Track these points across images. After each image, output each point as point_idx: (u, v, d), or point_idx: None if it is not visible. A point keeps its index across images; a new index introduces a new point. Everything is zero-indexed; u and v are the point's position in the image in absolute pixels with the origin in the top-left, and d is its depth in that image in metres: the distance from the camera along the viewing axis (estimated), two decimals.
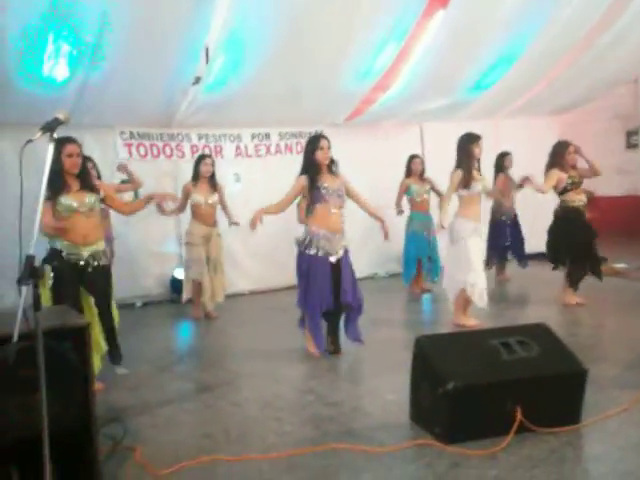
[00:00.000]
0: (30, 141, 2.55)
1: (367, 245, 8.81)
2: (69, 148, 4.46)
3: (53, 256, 4.46)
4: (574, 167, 6.60)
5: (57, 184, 4.37)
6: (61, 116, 2.70)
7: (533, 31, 7.66)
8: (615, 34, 8.11)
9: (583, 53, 8.62)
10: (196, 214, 6.86)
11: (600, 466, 3.18)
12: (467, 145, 5.82)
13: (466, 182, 5.77)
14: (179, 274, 7.87)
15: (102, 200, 4.67)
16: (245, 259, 8.41)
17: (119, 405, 4.30)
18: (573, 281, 6.64)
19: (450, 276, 6.00)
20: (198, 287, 6.88)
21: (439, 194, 7.52)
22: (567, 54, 8.51)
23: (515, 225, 8.49)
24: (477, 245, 5.91)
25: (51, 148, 2.63)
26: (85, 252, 4.49)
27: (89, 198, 4.52)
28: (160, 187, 7.54)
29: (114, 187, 6.24)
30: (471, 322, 5.90)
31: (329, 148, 5.18)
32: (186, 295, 6.97)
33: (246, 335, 6.34)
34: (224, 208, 7.07)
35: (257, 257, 8.44)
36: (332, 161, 5.22)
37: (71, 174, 4.50)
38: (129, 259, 7.72)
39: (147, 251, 7.92)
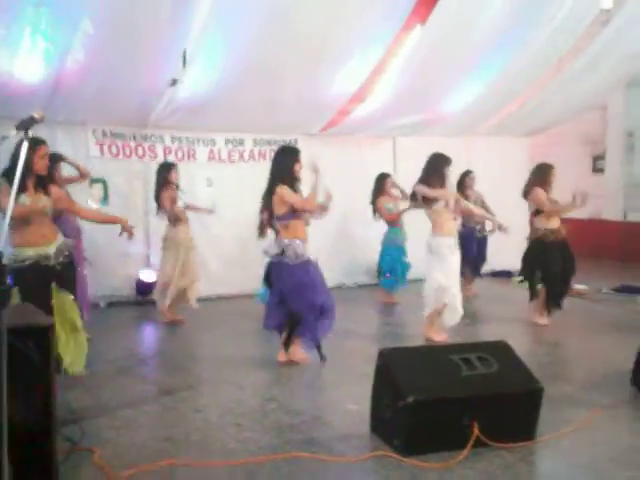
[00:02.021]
0: (5, 138, 2.55)
1: (336, 255, 8.88)
2: (43, 149, 4.43)
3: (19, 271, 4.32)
4: None
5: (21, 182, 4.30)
6: (36, 115, 2.71)
7: (508, 53, 7.83)
8: (586, 60, 8.34)
9: (555, 77, 8.85)
10: (181, 220, 6.88)
11: None
12: (439, 165, 5.92)
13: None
14: (145, 276, 7.84)
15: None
16: (213, 263, 8.39)
17: (78, 406, 4.26)
18: (551, 304, 6.77)
19: (428, 291, 6.06)
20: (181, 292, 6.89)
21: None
22: (540, 77, 8.73)
23: (482, 242, 8.60)
24: (455, 259, 5.99)
25: (25, 146, 2.63)
26: (50, 250, 4.44)
27: (41, 202, 4.42)
28: (130, 187, 7.56)
29: (64, 179, 6.17)
30: (439, 337, 5.99)
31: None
32: (169, 301, 6.92)
33: (211, 340, 6.33)
34: (193, 207, 7.13)
35: (225, 262, 8.42)
36: None
37: (36, 175, 4.44)
38: (95, 259, 7.62)
39: (113, 252, 7.84)
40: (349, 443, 3.68)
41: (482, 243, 8.60)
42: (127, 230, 4.78)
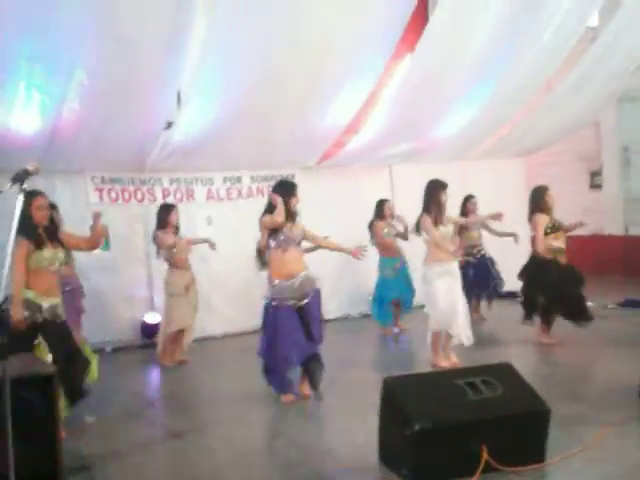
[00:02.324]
0: (0, 192, 2.61)
1: (339, 286, 8.90)
2: (38, 200, 4.48)
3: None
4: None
5: (34, 238, 4.40)
6: (31, 167, 2.76)
7: (497, 76, 7.93)
8: (576, 79, 8.43)
9: (545, 97, 8.96)
10: (178, 262, 6.91)
11: None
12: (435, 192, 5.98)
13: (435, 224, 5.94)
14: (150, 318, 7.86)
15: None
16: (218, 302, 8.40)
17: (88, 452, 4.25)
18: (545, 321, 6.77)
19: (430, 319, 6.08)
20: (178, 335, 6.90)
21: (403, 237, 7.82)
22: (530, 98, 8.83)
23: (481, 264, 8.54)
24: (448, 285, 5.98)
25: (21, 199, 2.69)
26: (45, 304, 4.45)
27: (60, 254, 4.53)
28: (131, 231, 7.61)
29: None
30: (444, 362, 5.97)
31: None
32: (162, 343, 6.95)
33: (217, 379, 6.32)
34: (196, 242, 7.16)
35: (230, 300, 8.44)
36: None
37: (40, 227, 4.52)
38: (99, 304, 7.67)
39: (117, 296, 7.88)
40: (358, 475, 3.67)
41: (482, 264, 8.53)
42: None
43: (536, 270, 6.80)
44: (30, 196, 4.32)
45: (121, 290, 7.95)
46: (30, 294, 4.37)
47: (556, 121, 9.37)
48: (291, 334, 5.09)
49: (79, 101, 6.18)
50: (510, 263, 8.03)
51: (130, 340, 7.98)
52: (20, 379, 2.78)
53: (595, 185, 12.09)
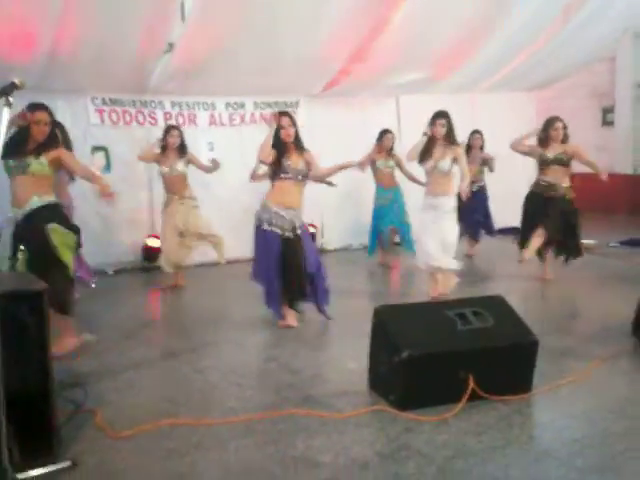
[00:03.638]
0: None
1: (342, 217, 8.89)
2: (37, 115, 4.45)
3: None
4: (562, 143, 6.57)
5: (12, 146, 4.35)
6: (17, 81, 2.71)
7: (511, 5, 7.65)
8: (592, 10, 8.14)
9: (561, 28, 8.66)
10: (165, 185, 6.87)
11: (546, 433, 3.30)
12: (430, 123, 5.89)
13: (420, 158, 5.92)
14: (150, 242, 7.89)
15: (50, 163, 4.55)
16: (219, 228, 8.39)
17: (83, 370, 4.33)
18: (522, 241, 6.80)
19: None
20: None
21: (403, 171, 7.73)
22: (545, 29, 8.54)
23: (480, 198, 8.46)
24: (429, 220, 5.95)
25: (6, 112, 2.63)
26: (19, 213, 4.47)
27: (31, 160, 4.46)
28: (132, 154, 7.50)
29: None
30: (433, 293, 6.01)
31: (291, 125, 5.17)
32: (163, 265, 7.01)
33: (216, 303, 6.39)
34: (201, 166, 7.00)
35: (231, 226, 8.43)
36: (297, 137, 5.23)
37: (35, 141, 4.47)
38: (101, 227, 7.72)
39: (119, 219, 7.89)
40: (347, 400, 3.72)
41: (480, 198, 8.44)
42: (105, 195, 4.61)
43: (525, 202, 6.84)
44: (29, 108, 4.36)
45: (123, 213, 7.94)
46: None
47: (570, 54, 9.12)
48: (269, 259, 5.14)
49: (77, 18, 6.02)
50: (513, 198, 7.97)
51: (131, 263, 8.05)
52: (9, 295, 2.80)
53: (607, 122, 11.86)
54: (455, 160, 5.87)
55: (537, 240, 6.64)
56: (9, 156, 4.39)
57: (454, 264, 5.94)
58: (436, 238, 5.85)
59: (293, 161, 5.16)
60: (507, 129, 9.36)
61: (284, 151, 5.14)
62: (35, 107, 4.51)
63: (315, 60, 7.76)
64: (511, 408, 3.52)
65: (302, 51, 7.48)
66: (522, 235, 6.83)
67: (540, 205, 6.58)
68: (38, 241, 4.39)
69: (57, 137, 4.76)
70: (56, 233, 4.44)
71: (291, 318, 5.29)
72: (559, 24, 8.72)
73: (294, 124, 5.22)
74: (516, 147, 6.83)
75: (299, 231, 5.20)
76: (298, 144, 5.24)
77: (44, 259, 4.37)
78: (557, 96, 10.63)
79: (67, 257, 4.48)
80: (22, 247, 4.36)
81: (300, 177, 5.22)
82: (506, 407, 3.53)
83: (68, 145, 5.97)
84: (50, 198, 4.54)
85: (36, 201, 4.46)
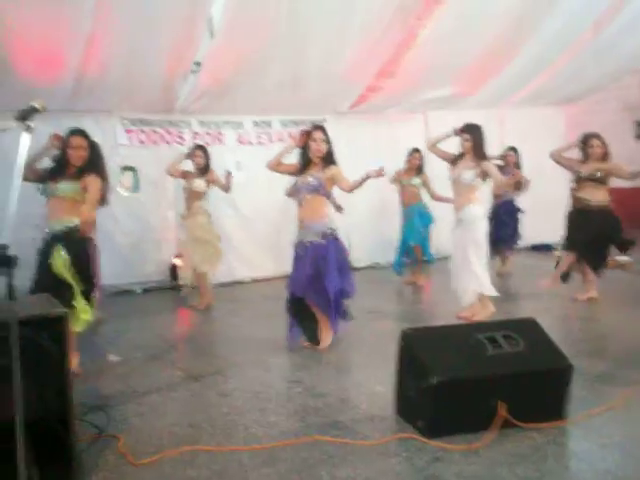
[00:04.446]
0: (3, 130, 2.54)
1: (368, 235, 8.82)
2: (74, 140, 4.52)
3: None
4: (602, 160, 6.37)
5: (52, 172, 4.51)
6: (37, 105, 2.68)
7: (539, 18, 7.54)
8: (623, 23, 7.97)
9: (590, 42, 8.49)
10: (185, 199, 6.91)
11: (581, 464, 3.15)
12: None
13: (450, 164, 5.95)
14: (178, 261, 7.89)
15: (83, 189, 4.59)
16: (246, 246, 8.39)
17: (107, 392, 4.31)
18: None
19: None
20: (198, 276, 6.91)
21: (430, 191, 7.72)
22: (573, 43, 8.39)
23: (511, 215, 8.32)
24: (455, 236, 5.88)
25: (25, 137, 2.61)
26: (57, 226, 4.51)
27: (63, 185, 4.51)
28: (160, 174, 7.54)
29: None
30: (463, 313, 5.88)
31: (324, 141, 5.07)
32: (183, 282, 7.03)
33: (242, 324, 6.33)
34: (222, 186, 6.93)
35: (258, 245, 8.42)
36: (328, 153, 5.11)
37: (74, 166, 4.54)
38: (129, 246, 7.75)
39: (148, 238, 7.93)
40: (373, 426, 3.62)
41: (512, 213, 8.30)
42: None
43: (567, 219, 6.66)
44: (68, 134, 4.54)
45: (150, 232, 7.98)
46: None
47: (600, 68, 8.94)
48: (296, 271, 5.11)
49: (106, 39, 6.07)
50: (546, 214, 7.81)
51: (160, 282, 8.05)
52: (29, 320, 2.76)
53: None
54: (483, 174, 5.78)
55: (565, 265, 6.56)
56: (50, 180, 4.52)
57: (493, 291, 5.83)
58: (464, 259, 5.75)
59: (306, 176, 5.09)
60: (536, 144, 9.24)
61: (305, 167, 5.08)
62: (73, 132, 4.59)
63: (342, 77, 7.73)
64: (545, 437, 3.38)
65: (329, 69, 7.45)
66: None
67: (577, 223, 6.44)
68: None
69: (95, 163, 4.74)
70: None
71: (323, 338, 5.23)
72: (589, 37, 8.56)
73: (327, 140, 5.11)
74: (556, 158, 6.67)
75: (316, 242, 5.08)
76: (327, 160, 5.11)
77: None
78: (587, 110, 10.40)
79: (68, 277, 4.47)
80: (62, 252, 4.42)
81: (311, 190, 5.07)
82: (540, 436, 3.39)
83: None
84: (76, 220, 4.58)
85: (66, 221, 4.53)
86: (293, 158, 5.30)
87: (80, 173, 4.57)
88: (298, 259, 5.13)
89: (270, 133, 8.48)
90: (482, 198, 6.10)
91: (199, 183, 6.78)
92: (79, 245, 4.53)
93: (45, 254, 4.47)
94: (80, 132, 4.65)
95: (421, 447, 3.32)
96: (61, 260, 4.39)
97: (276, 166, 5.28)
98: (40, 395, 2.85)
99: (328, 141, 5.12)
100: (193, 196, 6.83)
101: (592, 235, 6.32)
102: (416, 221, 7.70)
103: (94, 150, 4.69)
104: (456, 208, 5.85)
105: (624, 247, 6.55)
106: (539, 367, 3.56)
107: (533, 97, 9.49)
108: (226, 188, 6.86)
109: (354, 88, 8.27)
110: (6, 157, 2.55)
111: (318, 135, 5.05)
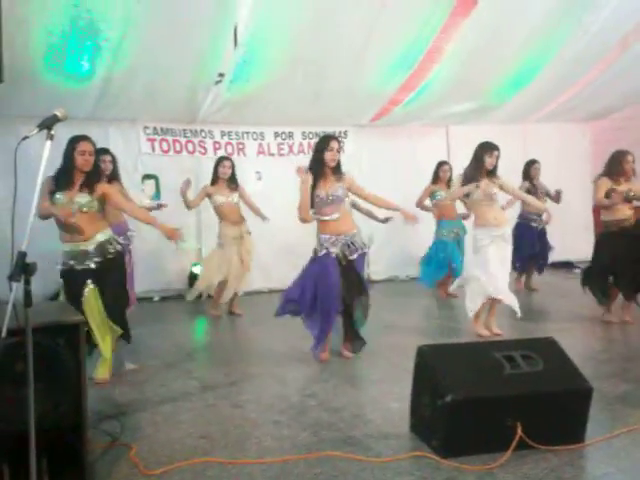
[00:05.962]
0: (26, 137, 2.56)
1: (387, 248, 8.77)
2: (82, 145, 4.49)
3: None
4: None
5: (61, 180, 4.47)
6: (59, 113, 2.71)
7: (564, 35, 7.49)
8: None
9: (617, 58, 8.41)
10: (222, 215, 6.89)
11: None
12: (479, 153, 5.75)
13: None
14: (197, 270, 7.92)
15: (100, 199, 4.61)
16: (266, 258, 8.40)
17: (122, 400, 4.32)
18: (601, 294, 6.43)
19: (470, 288, 5.90)
20: (223, 286, 6.91)
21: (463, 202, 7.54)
22: (601, 59, 8.31)
23: (542, 233, 8.25)
24: (498, 251, 5.76)
25: (48, 145, 2.63)
26: (90, 246, 4.50)
27: (81, 199, 4.50)
28: (181, 182, 7.57)
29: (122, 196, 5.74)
30: (485, 331, 5.81)
31: (338, 151, 5.11)
32: (198, 291, 7.03)
33: (259, 334, 6.33)
34: (251, 207, 7.01)
35: (278, 256, 8.42)
36: (338, 164, 5.15)
37: (81, 172, 4.52)
38: (148, 253, 7.78)
39: (167, 246, 7.92)
40: (387, 442, 3.57)
41: (541, 235, 8.22)
42: (172, 237, 4.72)
43: (598, 241, 6.49)
44: (74, 141, 4.41)
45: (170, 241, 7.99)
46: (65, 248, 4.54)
47: (628, 84, 8.82)
48: (333, 285, 5.07)
49: (131, 49, 6.14)
50: (568, 231, 7.71)
51: (178, 290, 8.08)
52: (46, 327, 2.78)
53: None
54: (501, 189, 5.75)
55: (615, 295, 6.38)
56: (58, 190, 4.49)
57: (517, 307, 5.76)
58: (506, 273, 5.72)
59: (324, 188, 5.09)
60: (560, 161, 9.17)
61: (319, 178, 5.08)
62: (79, 138, 4.54)
63: (364, 90, 7.73)
64: (562, 460, 3.30)
65: (351, 81, 7.46)
66: (593, 281, 6.43)
67: (611, 248, 6.21)
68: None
69: (99, 167, 4.81)
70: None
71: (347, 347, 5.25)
72: (616, 53, 8.47)
73: (339, 151, 5.18)
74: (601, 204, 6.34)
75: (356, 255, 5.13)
76: (336, 170, 5.17)
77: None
78: (615, 127, 10.27)
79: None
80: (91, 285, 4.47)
81: (342, 200, 5.16)
82: (556, 458, 3.32)
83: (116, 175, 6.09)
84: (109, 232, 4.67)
85: (100, 237, 4.56)
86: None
87: (90, 184, 4.54)
88: (332, 267, 5.08)
89: (292, 144, 8.50)
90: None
91: (235, 198, 6.85)
92: (112, 263, 4.58)
93: (75, 286, 4.49)
94: (86, 137, 4.57)
95: (435, 466, 3.26)
96: (93, 300, 4.45)
97: (308, 214, 5.17)
98: (54, 403, 2.85)
99: (339, 150, 5.19)
100: (232, 210, 6.86)
101: (631, 259, 6.11)
102: (462, 239, 7.64)
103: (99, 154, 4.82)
104: (494, 223, 5.75)
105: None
106: (557, 388, 3.49)
107: (558, 113, 9.42)
108: (259, 214, 7.00)
109: (375, 101, 8.26)
110: (29, 166, 2.55)
111: (335, 144, 5.11)
